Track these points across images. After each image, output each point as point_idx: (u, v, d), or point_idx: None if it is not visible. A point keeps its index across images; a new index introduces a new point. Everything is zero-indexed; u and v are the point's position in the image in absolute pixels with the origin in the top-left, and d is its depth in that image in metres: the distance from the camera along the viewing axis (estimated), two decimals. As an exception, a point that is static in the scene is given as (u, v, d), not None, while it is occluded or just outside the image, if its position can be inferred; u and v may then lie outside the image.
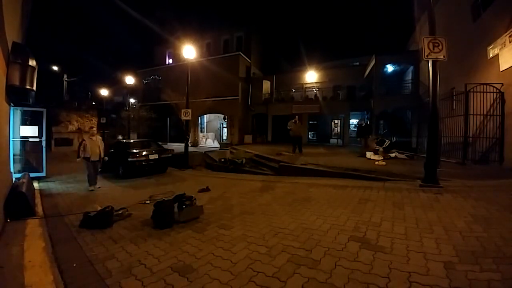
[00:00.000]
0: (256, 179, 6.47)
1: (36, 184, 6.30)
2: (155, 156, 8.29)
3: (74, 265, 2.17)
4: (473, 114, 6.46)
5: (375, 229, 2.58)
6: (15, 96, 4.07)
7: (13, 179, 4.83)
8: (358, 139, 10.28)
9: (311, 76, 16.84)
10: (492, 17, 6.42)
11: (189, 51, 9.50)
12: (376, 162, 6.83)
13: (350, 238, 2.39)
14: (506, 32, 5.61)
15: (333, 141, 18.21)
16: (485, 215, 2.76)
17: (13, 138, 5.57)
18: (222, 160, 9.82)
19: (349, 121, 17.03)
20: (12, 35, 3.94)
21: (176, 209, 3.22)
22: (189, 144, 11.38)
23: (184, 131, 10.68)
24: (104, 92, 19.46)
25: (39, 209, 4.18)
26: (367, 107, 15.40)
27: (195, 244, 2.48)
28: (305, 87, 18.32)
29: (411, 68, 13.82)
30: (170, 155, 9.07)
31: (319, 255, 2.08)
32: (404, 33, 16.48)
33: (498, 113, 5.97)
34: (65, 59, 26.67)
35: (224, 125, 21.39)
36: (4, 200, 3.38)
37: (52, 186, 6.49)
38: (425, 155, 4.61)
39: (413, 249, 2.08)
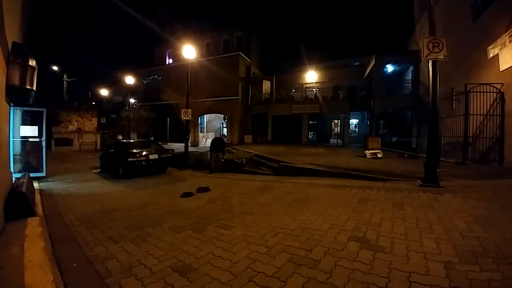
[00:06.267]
0: (256, 179, 6.47)
1: (36, 184, 6.29)
2: (155, 156, 8.28)
3: (74, 265, 2.17)
4: (473, 114, 6.46)
5: (375, 229, 2.58)
6: (15, 96, 4.06)
7: (13, 179, 4.83)
8: None
9: (311, 76, 16.87)
10: (492, 17, 6.42)
11: (189, 51, 9.50)
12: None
13: (350, 238, 2.38)
14: (506, 32, 5.62)
15: (333, 141, 18.22)
16: (485, 215, 2.76)
17: (13, 138, 5.57)
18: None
19: (349, 121, 17.03)
20: (12, 35, 3.93)
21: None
22: (189, 144, 11.38)
23: (184, 131, 10.69)
24: (104, 92, 19.48)
25: (39, 209, 4.18)
26: (367, 107, 15.40)
27: (195, 244, 2.48)
28: (305, 87, 18.33)
29: (411, 68, 13.83)
30: (170, 155, 9.06)
31: (319, 255, 2.08)
32: (404, 33, 16.46)
33: (498, 113, 5.98)
34: (65, 59, 26.73)
35: (224, 125, 21.41)
36: (4, 200, 3.38)
37: (52, 186, 6.49)
38: (424, 155, 4.61)
39: (413, 249, 2.08)
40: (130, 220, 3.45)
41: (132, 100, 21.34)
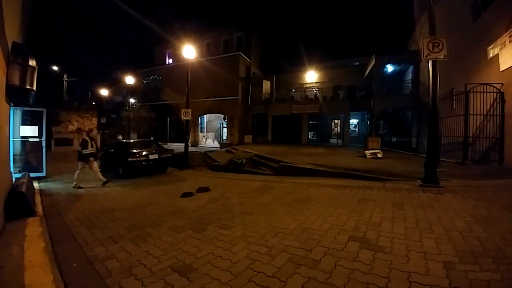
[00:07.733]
0: (256, 179, 6.47)
1: (36, 184, 6.29)
2: (155, 156, 8.29)
3: (74, 265, 2.17)
4: (473, 114, 6.46)
5: (375, 229, 2.58)
6: (15, 96, 4.06)
7: (13, 179, 4.83)
8: None
9: (311, 76, 16.88)
10: (492, 17, 6.42)
11: (189, 51, 9.50)
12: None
13: (350, 238, 2.38)
14: (506, 32, 5.62)
15: (333, 141, 18.23)
16: (485, 215, 2.76)
17: (13, 138, 5.57)
18: (226, 162, 9.31)
19: (349, 121, 17.03)
20: (12, 35, 3.93)
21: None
22: (189, 144, 11.37)
23: (184, 131, 10.69)
24: (104, 92, 19.48)
25: (39, 209, 4.18)
26: (367, 107, 15.40)
27: (195, 244, 2.48)
28: (305, 87, 18.33)
29: (411, 68, 13.83)
30: (170, 155, 9.07)
31: (319, 255, 2.08)
32: (404, 33, 16.49)
33: (498, 113, 5.98)
34: (65, 59, 26.76)
35: (224, 125, 21.42)
36: (4, 200, 3.38)
37: (52, 186, 6.49)
38: (424, 155, 4.61)
39: (413, 249, 2.08)
40: (130, 220, 3.45)
41: (132, 100, 21.34)
